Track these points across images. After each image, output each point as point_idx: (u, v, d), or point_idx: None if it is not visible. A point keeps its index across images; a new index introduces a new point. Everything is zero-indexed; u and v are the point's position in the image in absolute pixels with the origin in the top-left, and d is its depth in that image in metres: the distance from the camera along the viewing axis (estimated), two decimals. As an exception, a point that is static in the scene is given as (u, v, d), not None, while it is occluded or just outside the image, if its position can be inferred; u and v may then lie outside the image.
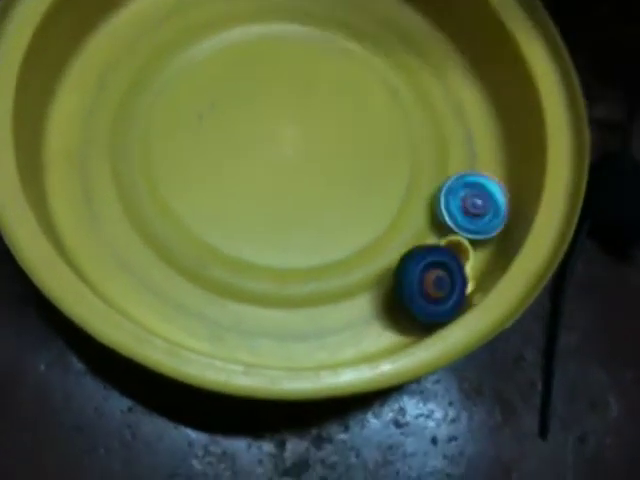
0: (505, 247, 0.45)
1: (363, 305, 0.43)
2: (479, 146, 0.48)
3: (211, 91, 0.47)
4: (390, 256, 0.44)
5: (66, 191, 0.43)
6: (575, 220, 0.42)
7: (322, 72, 0.49)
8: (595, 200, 0.47)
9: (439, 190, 0.45)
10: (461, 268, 0.41)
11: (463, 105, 0.49)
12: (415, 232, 0.45)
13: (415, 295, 0.40)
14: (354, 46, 0.49)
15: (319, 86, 0.48)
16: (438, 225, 0.46)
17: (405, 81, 0.49)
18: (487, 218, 0.44)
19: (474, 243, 0.44)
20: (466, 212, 0.44)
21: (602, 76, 0.55)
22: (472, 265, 0.43)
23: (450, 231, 0.44)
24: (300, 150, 0.46)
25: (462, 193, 0.45)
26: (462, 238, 0.44)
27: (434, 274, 0.40)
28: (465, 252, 0.44)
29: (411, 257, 0.40)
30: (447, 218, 0.44)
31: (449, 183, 0.45)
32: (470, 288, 0.43)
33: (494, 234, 0.44)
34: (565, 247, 0.42)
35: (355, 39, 0.50)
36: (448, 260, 0.41)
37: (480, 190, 0.45)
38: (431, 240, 0.45)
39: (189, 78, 0.47)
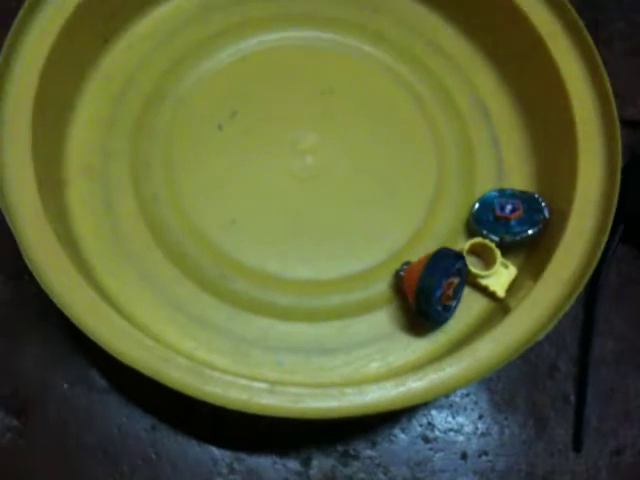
0: (536, 252, 0.43)
1: (389, 317, 0.42)
2: (506, 150, 0.47)
3: (230, 100, 0.46)
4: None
5: (87, 206, 0.43)
6: (609, 225, 0.41)
7: (343, 78, 0.48)
8: (628, 204, 0.45)
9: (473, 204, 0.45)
10: (467, 269, 0.42)
11: (490, 110, 0.48)
12: (441, 239, 0.44)
13: (436, 302, 0.39)
14: (375, 51, 0.48)
15: (340, 92, 0.47)
16: (465, 229, 0.45)
17: (429, 86, 0.48)
18: (515, 222, 0.43)
19: (504, 247, 0.43)
20: (497, 216, 0.43)
21: (635, 75, 0.53)
22: (501, 269, 0.43)
23: (479, 234, 0.43)
24: (322, 159, 0.45)
25: (496, 201, 0.44)
26: (488, 241, 0.43)
27: (454, 282, 0.40)
28: (491, 253, 0.43)
29: (435, 264, 0.40)
30: (477, 225, 0.44)
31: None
32: (502, 294, 0.42)
33: (523, 236, 0.43)
34: (599, 253, 0.40)
35: (376, 44, 0.49)
36: (463, 266, 0.41)
37: (513, 197, 0.44)
38: (458, 245, 0.44)
39: (208, 88, 0.46)
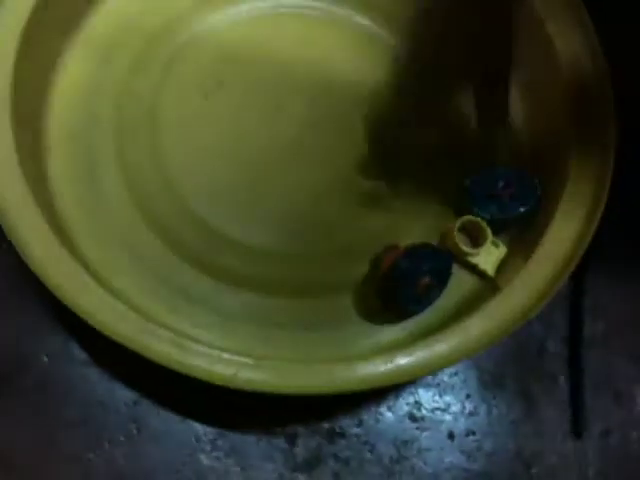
0: (529, 230, 0.43)
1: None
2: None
3: (218, 68, 0.45)
4: (408, 240, 0.42)
5: (69, 174, 0.42)
6: (602, 203, 0.40)
7: (332, 48, 0.46)
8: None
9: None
10: (449, 271, 0.40)
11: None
12: (432, 216, 0.44)
13: (403, 304, 0.39)
14: (368, 21, 0.47)
15: (329, 63, 0.46)
16: (456, 206, 0.44)
17: (422, 58, 0.46)
18: (508, 199, 0.42)
19: (496, 225, 0.42)
20: (488, 193, 0.42)
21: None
22: (491, 248, 0.42)
23: (470, 212, 0.42)
24: (311, 131, 0.44)
25: (490, 180, 0.43)
26: (480, 219, 0.42)
27: (424, 283, 0.38)
28: (482, 231, 0.42)
29: (411, 260, 0.39)
30: (468, 202, 0.43)
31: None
32: (492, 272, 0.41)
33: (516, 214, 0.42)
34: (592, 232, 0.39)
35: (369, 13, 0.47)
36: (438, 264, 0.39)
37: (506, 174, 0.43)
38: (449, 223, 0.43)
39: (196, 54, 0.45)
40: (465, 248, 0.42)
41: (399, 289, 0.39)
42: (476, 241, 0.43)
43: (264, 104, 0.44)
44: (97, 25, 0.45)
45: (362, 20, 0.47)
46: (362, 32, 0.47)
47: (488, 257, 0.42)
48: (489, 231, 0.42)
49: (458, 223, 0.42)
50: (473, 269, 0.42)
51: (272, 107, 0.44)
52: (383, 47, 0.47)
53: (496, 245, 0.42)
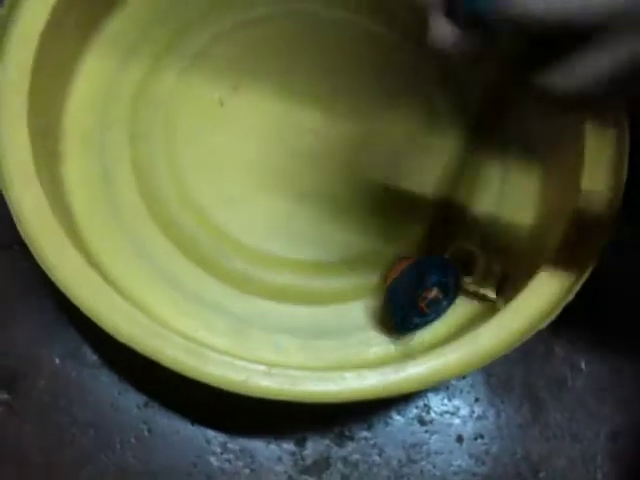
0: (536, 239, 0.42)
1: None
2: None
3: (233, 73, 0.44)
4: (422, 252, 0.42)
5: (84, 179, 0.42)
6: (618, 208, 0.39)
7: (350, 56, 0.45)
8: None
9: None
10: (457, 285, 0.39)
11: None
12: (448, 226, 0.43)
13: (406, 310, 0.38)
14: (386, 31, 0.46)
15: (346, 71, 0.45)
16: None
17: (438, 70, 0.45)
18: None
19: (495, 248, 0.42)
20: None
21: None
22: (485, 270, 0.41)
23: None
24: (325, 138, 0.44)
25: None
26: (475, 248, 0.41)
27: (428, 296, 0.38)
28: (473, 257, 0.41)
29: (415, 270, 0.38)
30: None
31: None
32: (493, 295, 0.41)
33: None
34: (605, 241, 0.39)
35: (386, 23, 0.46)
36: (443, 277, 0.38)
37: None
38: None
39: (211, 59, 0.45)
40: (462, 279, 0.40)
41: (400, 300, 0.38)
42: (469, 267, 0.41)
43: (281, 109, 0.44)
44: (115, 29, 0.44)
45: (380, 29, 0.46)
46: (379, 41, 0.46)
47: (485, 281, 0.41)
48: (480, 254, 0.41)
49: (448, 253, 0.41)
50: (475, 295, 0.41)
51: (289, 113, 0.44)
52: (402, 57, 0.46)
53: (490, 266, 0.41)
